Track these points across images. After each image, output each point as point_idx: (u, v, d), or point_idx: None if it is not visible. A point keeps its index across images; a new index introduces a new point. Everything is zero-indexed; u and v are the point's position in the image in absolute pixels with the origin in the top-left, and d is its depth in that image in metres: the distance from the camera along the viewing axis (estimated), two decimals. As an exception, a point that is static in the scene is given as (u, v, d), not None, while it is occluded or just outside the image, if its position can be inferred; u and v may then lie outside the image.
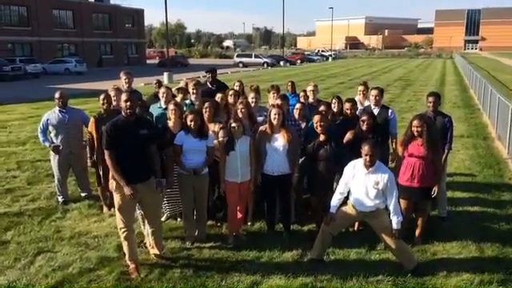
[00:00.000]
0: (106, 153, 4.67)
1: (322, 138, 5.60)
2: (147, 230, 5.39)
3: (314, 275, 4.83)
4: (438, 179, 5.51)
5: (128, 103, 4.65)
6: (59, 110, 6.86)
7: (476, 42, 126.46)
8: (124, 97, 4.71)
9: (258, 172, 5.67)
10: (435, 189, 5.45)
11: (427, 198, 5.52)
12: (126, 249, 4.93)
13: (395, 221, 4.75)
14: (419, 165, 5.38)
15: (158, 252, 5.22)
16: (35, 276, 4.79)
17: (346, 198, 5.03)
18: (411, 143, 5.44)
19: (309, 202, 6.30)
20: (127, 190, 4.63)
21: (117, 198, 4.78)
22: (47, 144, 6.88)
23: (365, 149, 4.68)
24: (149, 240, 5.32)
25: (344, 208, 5.04)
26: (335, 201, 4.97)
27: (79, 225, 6.18)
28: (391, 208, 4.76)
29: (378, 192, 4.74)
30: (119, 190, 4.71)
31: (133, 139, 4.65)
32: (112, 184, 4.78)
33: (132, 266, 4.91)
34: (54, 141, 6.88)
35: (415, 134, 5.38)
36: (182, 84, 7.57)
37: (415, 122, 5.39)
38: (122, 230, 4.87)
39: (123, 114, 4.72)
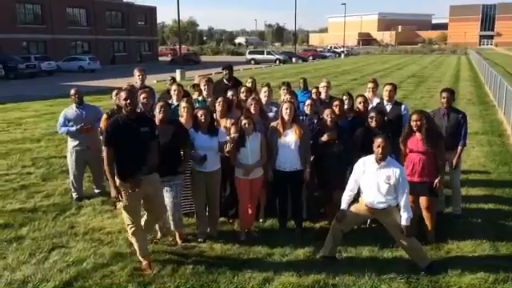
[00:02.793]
0: (104, 149, 4.67)
1: (332, 133, 5.59)
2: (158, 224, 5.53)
3: (326, 272, 4.82)
4: (437, 173, 5.44)
5: (128, 101, 4.62)
6: (76, 107, 6.95)
7: (491, 37, 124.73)
8: (123, 95, 4.66)
9: (269, 168, 5.66)
10: (436, 181, 5.39)
11: (430, 193, 5.47)
12: (135, 245, 4.96)
13: (404, 217, 4.69)
14: (419, 160, 5.37)
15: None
16: (50, 271, 4.85)
17: (358, 195, 5.01)
18: (410, 139, 5.43)
19: (321, 199, 6.30)
20: (113, 192, 4.66)
21: (114, 193, 4.78)
22: (65, 130, 6.90)
23: (377, 141, 4.66)
24: (159, 233, 5.50)
25: (355, 205, 5.02)
26: (346, 198, 4.95)
27: (93, 221, 6.24)
28: (402, 204, 4.71)
29: (389, 187, 4.70)
30: (123, 188, 4.69)
31: (133, 136, 4.64)
32: (116, 181, 4.79)
33: (144, 262, 4.93)
34: (73, 136, 6.95)
35: (414, 128, 5.37)
36: (196, 80, 7.59)
37: (414, 117, 5.39)
38: (129, 226, 4.87)
39: (124, 111, 4.70)
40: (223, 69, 8.25)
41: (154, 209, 5.03)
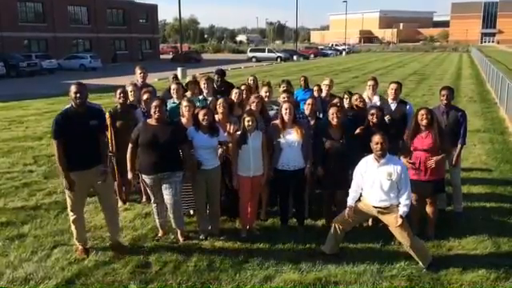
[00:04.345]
0: (54, 142, 4.86)
1: (337, 131, 5.57)
2: (158, 220, 5.57)
3: (327, 270, 4.82)
4: (443, 170, 5.46)
5: (78, 94, 4.81)
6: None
7: (493, 35, 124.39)
8: (73, 88, 4.83)
9: (270, 166, 5.66)
10: (436, 158, 5.35)
11: (435, 191, 5.49)
12: (73, 231, 5.19)
13: (403, 210, 4.69)
14: (424, 158, 5.37)
15: (115, 239, 5.35)
16: (52, 269, 4.87)
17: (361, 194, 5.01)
18: (416, 137, 5.41)
19: (322, 198, 6.28)
20: (65, 183, 4.87)
21: (65, 185, 4.98)
22: None
23: (375, 138, 4.67)
24: (161, 230, 5.57)
25: (358, 204, 5.01)
26: (351, 196, 4.97)
27: (95, 218, 6.24)
28: (403, 198, 4.70)
29: (391, 184, 4.70)
30: (64, 181, 4.92)
31: (82, 129, 4.83)
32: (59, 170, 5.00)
33: (79, 247, 5.18)
34: None
35: (423, 123, 5.36)
36: (189, 78, 7.55)
37: (423, 111, 5.40)
38: (71, 213, 5.13)
39: (73, 104, 4.87)
40: (215, 73, 8.08)
41: (101, 200, 5.26)
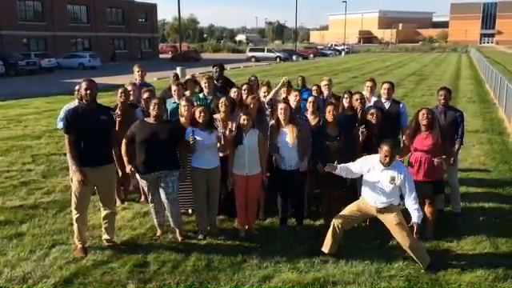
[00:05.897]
0: (66, 137, 4.93)
1: (334, 129, 5.57)
2: (156, 220, 5.57)
3: (326, 270, 4.82)
4: (442, 171, 5.47)
5: (88, 91, 4.86)
6: (79, 102, 6.92)
7: (492, 35, 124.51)
8: (84, 85, 4.90)
9: (266, 166, 5.65)
10: (438, 160, 5.32)
11: (434, 191, 5.49)
12: (75, 229, 5.17)
13: (416, 215, 4.66)
14: (424, 159, 5.38)
15: (108, 237, 5.35)
16: (50, 268, 4.85)
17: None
18: (416, 137, 5.42)
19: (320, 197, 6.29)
20: (79, 176, 4.87)
21: (74, 181, 5.01)
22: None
23: (384, 149, 4.65)
24: (160, 230, 5.57)
25: (358, 203, 5.02)
26: (344, 165, 4.91)
27: (93, 218, 6.22)
28: (411, 202, 4.70)
29: (394, 188, 4.71)
30: (77, 174, 4.93)
31: (93, 124, 4.88)
32: (71, 168, 5.01)
33: (79, 246, 5.16)
34: None
35: (423, 123, 5.36)
36: (188, 76, 7.55)
37: (424, 111, 5.42)
38: (74, 212, 5.11)
39: (84, 101, 4.95)
40: (214, 66, 7.98)
41: (102, 200, 5.25)
